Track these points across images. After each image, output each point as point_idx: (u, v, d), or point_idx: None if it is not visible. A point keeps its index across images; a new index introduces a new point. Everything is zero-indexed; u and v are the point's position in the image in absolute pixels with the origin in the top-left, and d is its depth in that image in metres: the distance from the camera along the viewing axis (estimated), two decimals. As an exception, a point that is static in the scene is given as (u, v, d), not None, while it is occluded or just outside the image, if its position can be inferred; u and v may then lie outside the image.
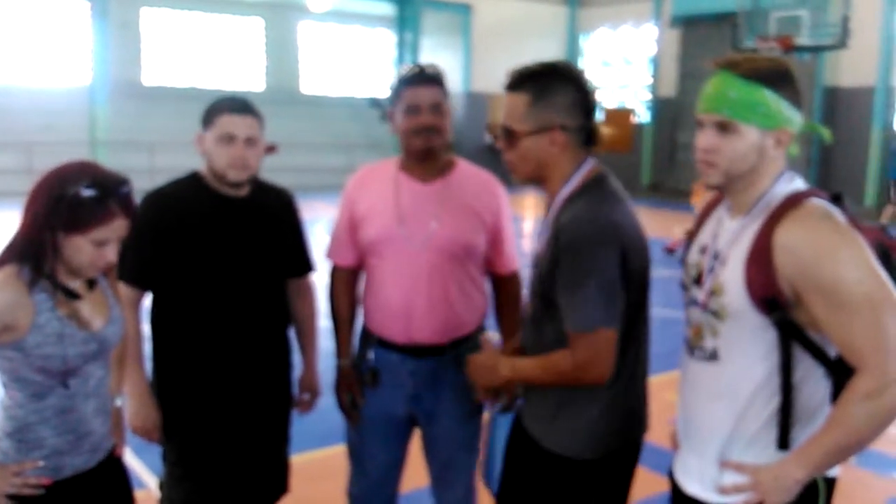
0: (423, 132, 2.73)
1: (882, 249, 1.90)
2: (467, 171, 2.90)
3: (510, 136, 2.26)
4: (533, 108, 2.21)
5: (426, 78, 2.76)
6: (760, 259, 1.86)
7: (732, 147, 1.91)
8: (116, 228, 2.10)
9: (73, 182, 2.05)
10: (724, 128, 1.91)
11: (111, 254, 2.12)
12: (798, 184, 1.95)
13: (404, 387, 2.86)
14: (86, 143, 18.80)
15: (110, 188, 2.07)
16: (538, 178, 2.30)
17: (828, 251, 1.78)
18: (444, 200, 2.79)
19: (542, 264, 2.25)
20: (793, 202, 1.88)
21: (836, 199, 1.92)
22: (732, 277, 1.92)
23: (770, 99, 1.89)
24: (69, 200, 2.03)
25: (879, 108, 18.87)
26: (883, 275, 1.79)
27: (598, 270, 2.09)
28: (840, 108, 19.14)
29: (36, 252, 2.07)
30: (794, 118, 1.93)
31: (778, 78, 1.91)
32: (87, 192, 2.04)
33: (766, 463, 1.92)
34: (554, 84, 2.23)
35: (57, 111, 19.57)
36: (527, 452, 2.38)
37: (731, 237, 1.96)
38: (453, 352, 2.82)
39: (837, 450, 1.82)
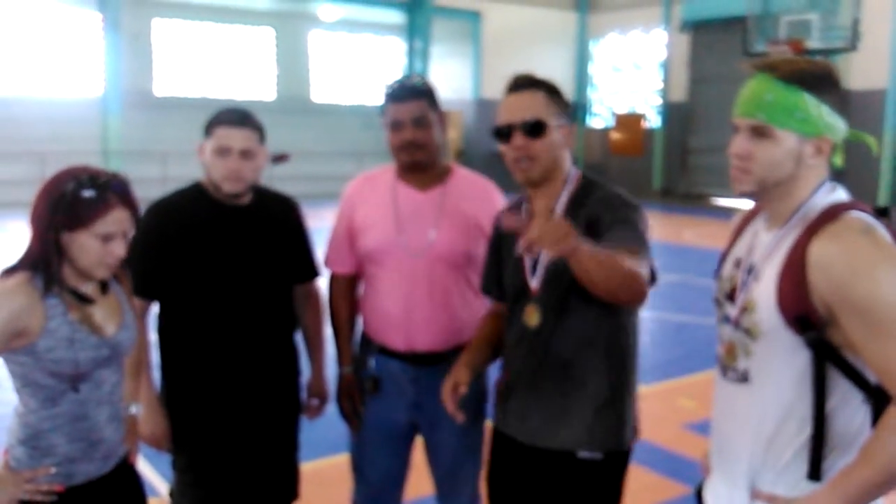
0: (407, 148, 2.74)
1: None
2: (465, 178, 2.90)
3: (541, 127, 2.33)
4: (551, 105, 2.38)
5: (408, 92, 2.76)
6: (793, 274, 1.75)
7: (767, 154, 1.79)
8: (118, 220, 2.11)
9: (68, 182, 2.09)
10: (759, 133, 1.80)
11: (118, 249, 2.13)
12: (839, 195, 1.83)
13: (405, 395, 2.85)
14: (98, 153, 18.92)
15: (105, 181, 2.11)
16: (552, 173, 2.39)
17: (865, 269, 1.66)
18: (443, 208, 2.80)
19: (561, 262, 2.25)
20: (831, 215, 1.76)
21: (882, 213, 1.81)
22: (765, 293, 1.80)
23: (810, 103, 1.78)
24: (67, 199, 2.07)
25: (891, 111, 18.78)
26: None
27: (644, 230, 2.28)
28: (851, 110, 18.92)
29: (44, 257, 2.10)
30: (837, 125, 1.82)
31: (819, 81, 1.80)
32: (83, 188, 2.08)
33: (800, 495, 1.79)
34: (552, 88, 2.42)
35: (69, 121, 19.70)
36: (548, 465, 2.38)
37: (766, 251, 1.85)
38: (454, 359, 2.82)
39: (871, 485, 1.68)
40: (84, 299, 2.18)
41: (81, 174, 2.11)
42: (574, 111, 25.27)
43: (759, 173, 1.82)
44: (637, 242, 2.20)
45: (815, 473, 1.79)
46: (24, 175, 17.57)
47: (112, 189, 2.11)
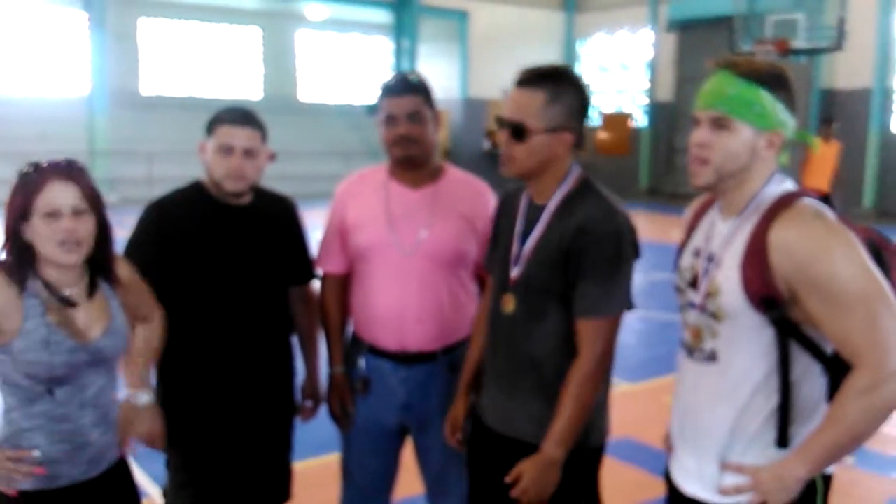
0: (401, 142, 2.74)
1: (874, 248, 1.92)
2: (457, 177, 2.91)
3: (523, 131, 2.30)
4: (548, 108, 2.30)
5: (403, 87, 2.76)
6: (755, 259, 1.88)
7: (725, 144, 1.93)
8: (59, 194, 2.09)
9: (22, 173, 2.13)
10: (719, 124, 1.94)
11: (69, 223, 2.09)
12: (788, 185, 1.98)
13: (395, 395, 2.85)
14: (84, 153, 18.79)
15: (46, 163, 2.13)
16: (534, 175, 2.38)
17: (821, 249, 1.80)
18: (435, 207, 2.80)
19: (541, 260, 2.35)
20: (785, 202, 1.90)
21: (825, 200, 1.94)
22: (728, 278, 1.93)
23: (766, 99, 1.92)
24: (17, 188, 2.10)
25: (877, 110, 18.90)
26: (876, 271, 1.80)
27: (627, 259, 2.31)
28: (837, 110, 19.17)
29: (11, 252, 2.12)
30: (788, 122, 1.96)
31: (775, 80, 1.95)
32: (23, 173, 2.12)
33: (767, 462, 1.93)
34: (566, 87, 2.33)
35: (55, 121, 19.59)
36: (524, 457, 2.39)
37: (725, 239, 1.98)
38: (445, 359, 2.83)
39: (836, 446, 1.83)
40: (66, 301, 2.16)
41: (32, 164, 2.13)
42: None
43: (717, 162, 1.95)
44: (603, 306, 2.28)
45: (783, 440, 1.94)
46: (10, 175, 17.46)
47: (49, 167, 2.11)
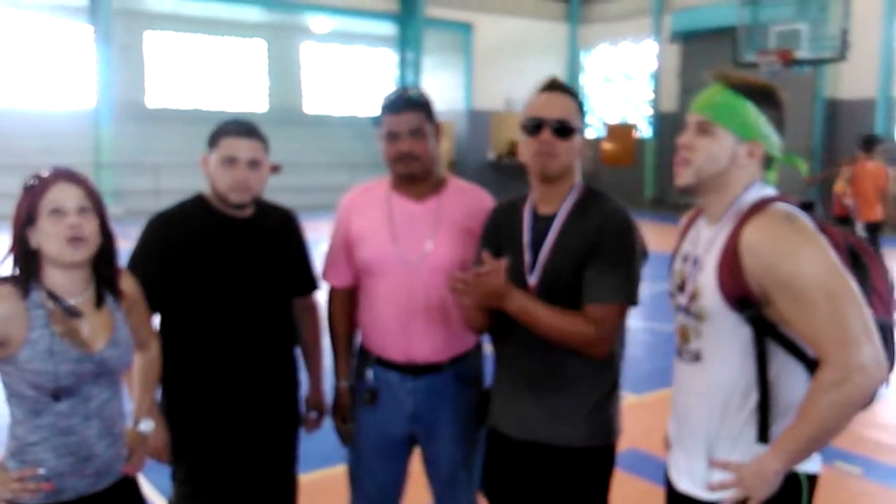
0: (403, 159, 2.76)
1: (852, 251, 1.98)
2: (460, 188, 2.92)
3: (569, 129, 2.45)
4: (578, 115, 2.51)
5: (404, 104, 2.77)
6: (729, 261, 1.97)
7: (706, 146, 2.04)
8: (64, 193, 2.14)
9: (27, 183, 2.18)
10: (703, 129, 2.06)
11: (74, 220, 2.13)
12: (768, 191, 2.07)
13: (403, 406, 2.86)
14: (90, 166, 18.88)
15: (49, 169, 2.18)
16: (563, 175, 2.49)
17: (788, 250, 1.88)
18: (438, 219, 2.81)
19: (561, 263, 2.43)
20: (758, 207, 1.99)
21: (807, 206, 2.02)
22: (707, 280, 2.03)
23: (750, 111, 2.03)
24: (23, 195, 2.15)
25: (881, 120, 18.89)
26: (843, 270, 1.87)
27: (637, 253, 2.44)
28: (841, 120, 19.18)
29: (17, 259, 2.15)
30: (771, 136, 2.06)
31: (763, 95, 2.05)
32: (28, 182, 2.17)
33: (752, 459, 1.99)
34: (581, 102, 2.54)
35: (61, 134, 19.69)
36: (548, 461, 2.49)
37: (707, 243, 2.08)
38: (452, 370, 2.84)
39: (809, 440, 1.89)
40: (71, 312, 2.18)
41: (34, 175, 2.18)
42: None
43: (697, 163, 2.06)
44: (614, 292, 2.37)
45: (763, 437, 2.00)
46: (17, 188, 17.52)
47: (54, 171, 2.17)
